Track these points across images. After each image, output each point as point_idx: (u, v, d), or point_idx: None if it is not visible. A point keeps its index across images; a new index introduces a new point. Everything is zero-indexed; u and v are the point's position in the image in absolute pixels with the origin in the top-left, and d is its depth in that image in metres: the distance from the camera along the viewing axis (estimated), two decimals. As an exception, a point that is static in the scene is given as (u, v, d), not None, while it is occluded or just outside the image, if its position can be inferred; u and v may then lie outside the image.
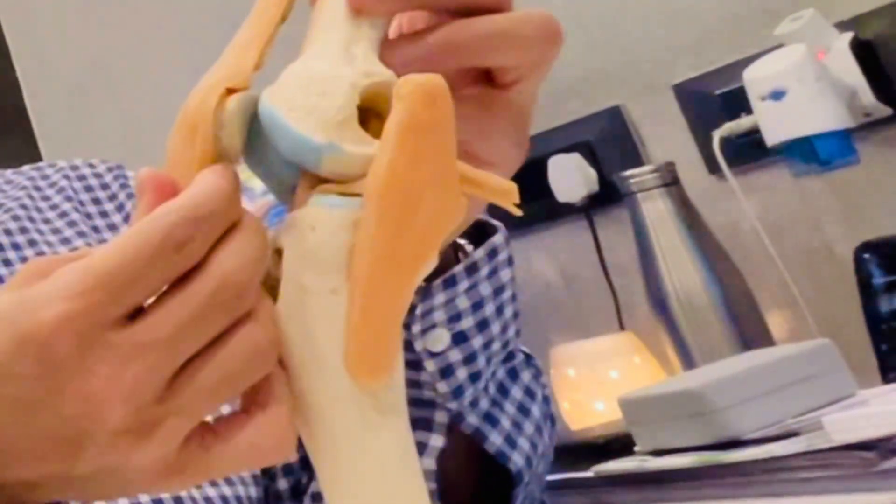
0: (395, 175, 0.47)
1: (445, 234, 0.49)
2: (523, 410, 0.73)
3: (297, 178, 0.51)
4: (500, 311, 0.68)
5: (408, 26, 0.56)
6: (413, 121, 0.48)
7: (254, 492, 0.76)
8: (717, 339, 1.45)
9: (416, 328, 0.67)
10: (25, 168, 0.89)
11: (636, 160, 1.66)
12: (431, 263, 0.49)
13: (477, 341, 0.68)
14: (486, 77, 0.57)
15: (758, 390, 1.18)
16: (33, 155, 2.21)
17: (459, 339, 0.67)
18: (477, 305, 0.67)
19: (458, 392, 0.69)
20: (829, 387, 1.19)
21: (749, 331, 1.45)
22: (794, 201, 1.53)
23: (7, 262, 0.79)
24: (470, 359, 0.68)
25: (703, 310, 1.46)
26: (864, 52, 1.42)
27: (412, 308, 0.65)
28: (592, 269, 1.70)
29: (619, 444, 1.33)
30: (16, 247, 0.80)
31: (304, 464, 0.79)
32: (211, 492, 0.74)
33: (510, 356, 0.74)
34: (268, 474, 0.79)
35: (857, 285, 1.36)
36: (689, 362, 1.46)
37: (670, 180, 1.51)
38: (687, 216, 1.49)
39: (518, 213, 0.52)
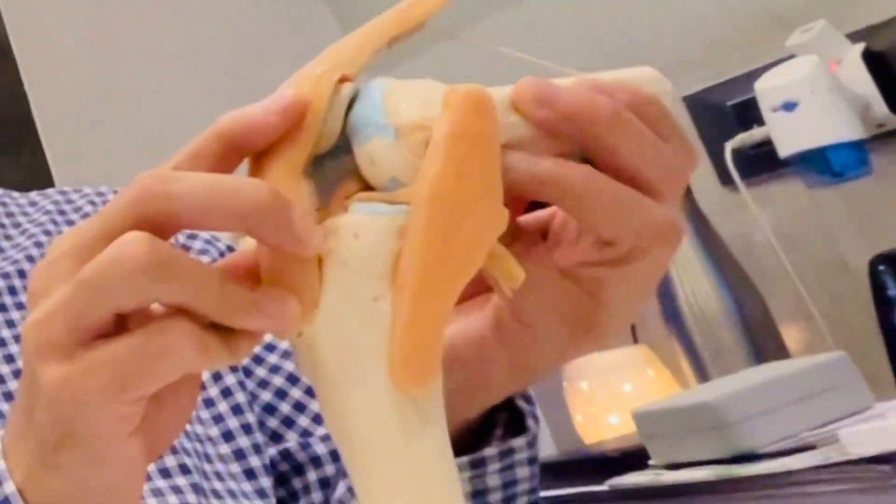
0: (445, 182, 0.48)
1: (490, 243, 0.49)
2: None
3: (332, 184, 0.51)
4: (510, 500, 0.66)
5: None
6: (462, 129, 0.48)
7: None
8: (731, 352, 1.44)
9: None
10: (50, 191, 0.88)
11: (648, 172, 1.65)
12: (474, 272, 0.49)
13: None
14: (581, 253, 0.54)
15: (773, 403, 1.17)
16: (42, 168, 2.20)
17: None
18: (479, 493, 0.65)
19: None
20: (845, 400, 1.19)
21: (763, 343, 1.45)
22: (807, 213, 1.53)
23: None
24: None
25: (717, 322, 1.45)
26: (877, 63, 1.42)
27: None
28: (605, 281, 1.69)
29: (634, 458, 1.33)
30: None
31: (323, 485, 0.79)
32: (233, 486, 0.74)
33: None
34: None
35: (872, 297, 1.36)
36: (703, 375, 1.46)
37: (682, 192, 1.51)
38: (699, 228, 1.49)
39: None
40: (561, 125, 0.50)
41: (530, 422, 0.66)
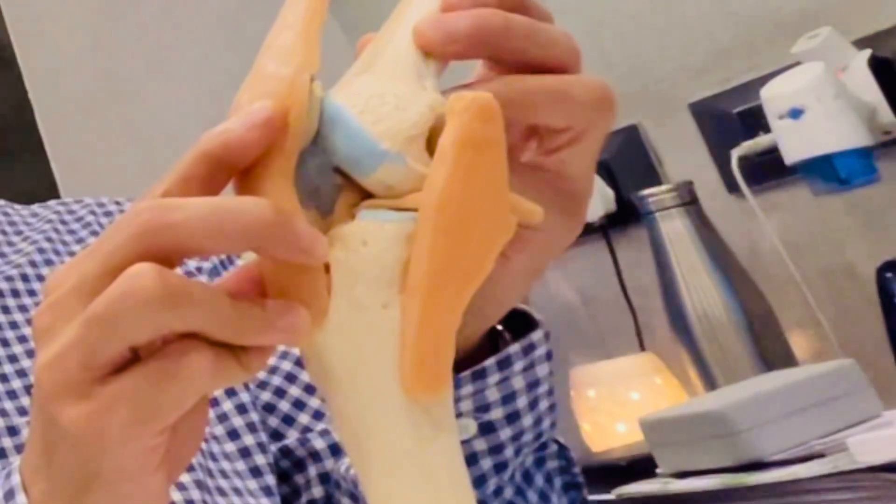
0: (453, 189, 0.48)
1: (498, 249, 0.49)
2: (544, 498, 0.72)
3: (330, 190, 0.51)
4: (533, 404, 0.67)
5: (473, 77, 0.56)
6: (469, 136, 0.48)
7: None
8: (738, 360, 1.44)
9: None
10: (52, 203, 0.89)
11: (653, 179, 1.66)
12: (483, 278, 0.49)
13: (505, 433, 0.66)
14: (538, 145, 0.57)
15: (781, 411, 1.17)
16: (46, 175, 2.20)
17: (486, 429, 0.66)
18: (508, 398, 0.66)
19: (480, 481, 0.67)
20: (854, 408, 1.18)
21: (771, 351, 1.45)
22: (814, 220, 1.52)
23: (32, 293, 0.79)
24: (496, 449, 0.67)
25: (725, 330, 1.45)
26: (883, 70, 1.41)
27: None
28: (611, 289, 1.69)
29: (641, 466, 1.33)
30: (40, 278, 0.80)
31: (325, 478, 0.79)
32: (238, 483, 0.74)
33: (543, 445, 0.72)
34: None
35: (880, 304, 1.35)
36: (710, 383, 1.46)
37: (689, 199, 1.51)
38: (706, 235, 1.49)
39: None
40: (469, 50, 0.53)
41: (538, 316, 0.66)
